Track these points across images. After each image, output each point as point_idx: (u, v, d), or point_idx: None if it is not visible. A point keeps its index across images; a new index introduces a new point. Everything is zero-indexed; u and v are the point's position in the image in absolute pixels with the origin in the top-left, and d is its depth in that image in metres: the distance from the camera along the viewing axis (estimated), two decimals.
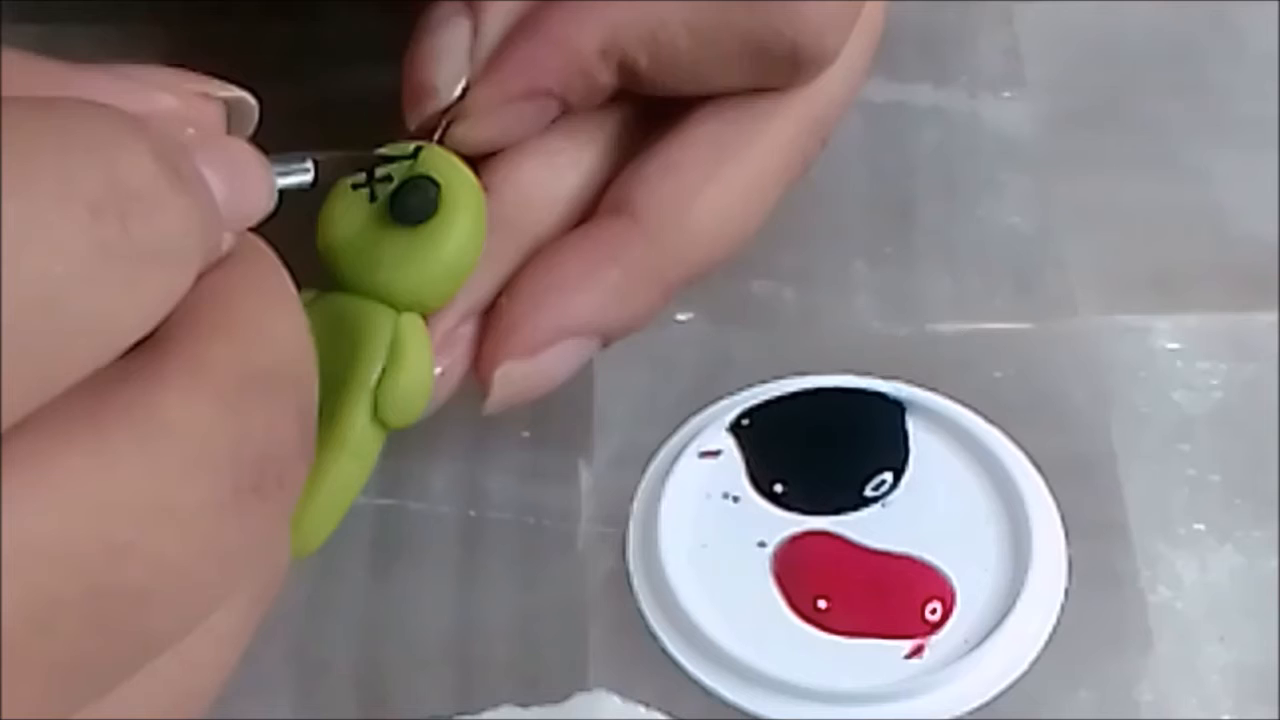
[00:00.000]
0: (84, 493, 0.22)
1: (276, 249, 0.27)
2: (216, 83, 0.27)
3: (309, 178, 0.28)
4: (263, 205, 0.26)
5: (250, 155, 0.26)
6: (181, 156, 0.24)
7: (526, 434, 0.38)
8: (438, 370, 0.32)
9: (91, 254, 0.22)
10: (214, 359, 0.24)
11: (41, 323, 0.21)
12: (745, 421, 0.38)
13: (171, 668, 0.24)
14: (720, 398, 0.39)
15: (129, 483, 0.22)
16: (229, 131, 0.28)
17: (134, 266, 0.22)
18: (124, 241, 0.22)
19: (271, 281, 0.26)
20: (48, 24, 0.46)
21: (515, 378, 0.33)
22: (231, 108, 0.28)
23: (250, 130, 0.28)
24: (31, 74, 0.25)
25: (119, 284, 0.22)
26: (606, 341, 0.34)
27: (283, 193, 0.27)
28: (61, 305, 0.21)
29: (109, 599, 0.22)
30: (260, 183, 0.26)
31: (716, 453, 0.38)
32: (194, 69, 0.28)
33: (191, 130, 0.26)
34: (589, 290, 0.33)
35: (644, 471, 0.38)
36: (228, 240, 0.25)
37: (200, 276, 0.24)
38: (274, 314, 0.25)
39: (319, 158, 0.28)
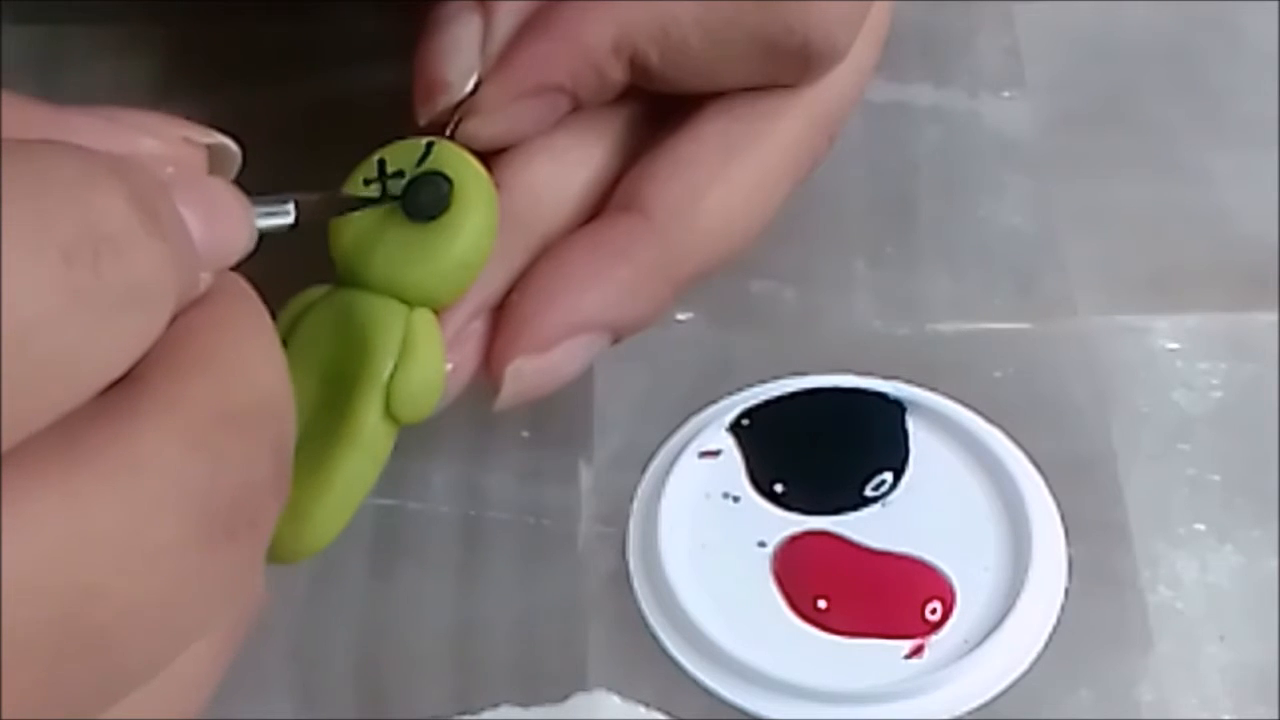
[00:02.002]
0: (53, 534, 0.22)
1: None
2: (200, 129, 0.27)
3: (290, 219, 0.28)
4: (242, 245, 0.26)
5: (230, 195, 0.26)
6: (159, 197, 0.24)
7: (526, 434, 0.38)
8: (449, 366, 0.32)
9: (64, 298, 0.22)
10: (189, 398, 0.24)
11: (12, 365, 0.21)
12: (745, 421, 0.38)
13: (139, 705, 0.24)
14: (720, 398, 0.39)
15: (99, 524, 0.22)
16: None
17: (107, 310, 0.22)
18: (97, 285, 0.22)
19: (250, 320, 0.26)
20: (48, 24, 0.46)
21: (526, 374, 0.33)
22: (214, 153, 0.28)
23: (233, 175, 0.28)
24: (15, 114, 0.25)
25: (91, 327, 0.22)
26: (616, 338, 0.34)
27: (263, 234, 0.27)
28: (33, 348, 0.21)
29: (75, 640, 0.22)
30: (240, 223, 0.26)
31: (716, 453, 0.38)
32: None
33: (171, 169, 0.26)
34: (599, 287, 0.33)
35: (644, 471, 0.38)
36: (205, 279, 0.25)
37: (178, 315, 0.24)
38: (251, 352, 0.25)
39: (300, 198, 0.28)
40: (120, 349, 0.23)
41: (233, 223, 0.26)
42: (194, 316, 0.25)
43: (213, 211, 0.26)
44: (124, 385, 0.23)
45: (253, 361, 0.25)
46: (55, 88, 0.45)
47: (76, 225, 0.22)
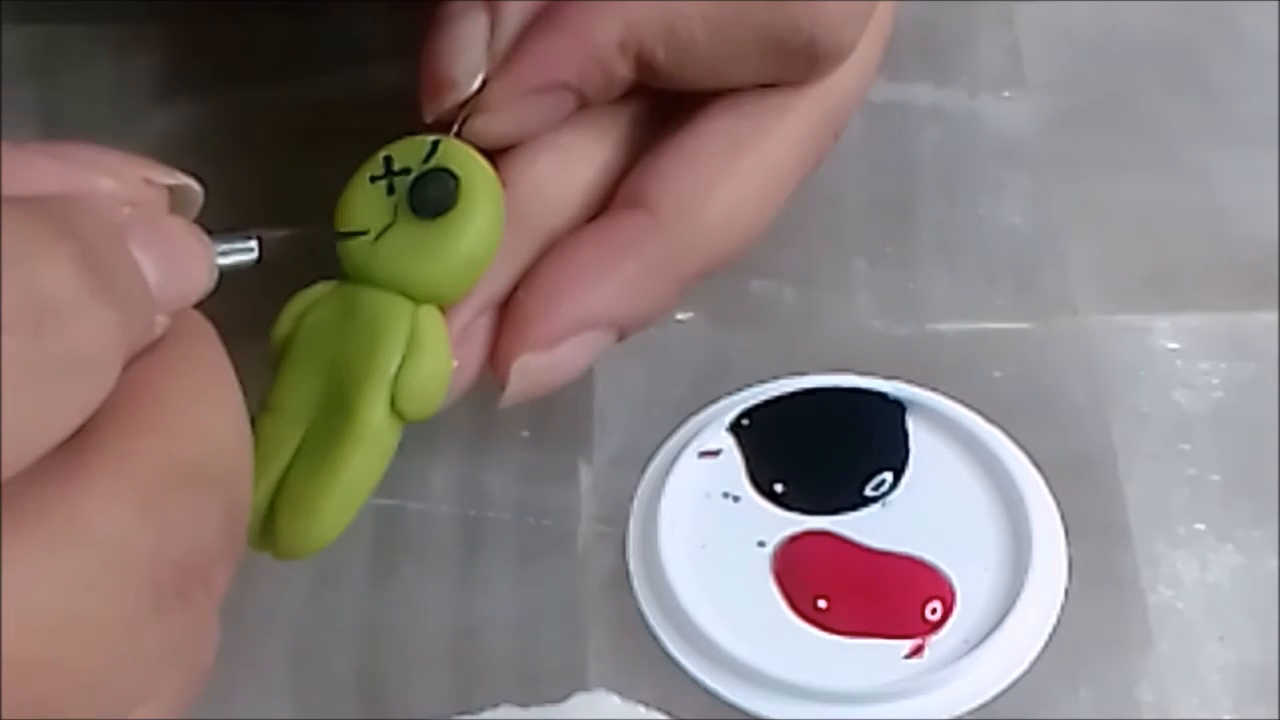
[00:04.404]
0: None
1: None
2: (162, 168, 0.27)
3: (252, 256, 0.28)
4: (201, 286, 0.26)
5: (190, 236, 0.26)
6: (111, 247, 0.24)
7: (526, 434, 0.38)
8: (454, 363, 0.32)
9: (4, 369, 0.21)
10: (138, 457, 0.23)
11: None
12: (745, 421, 0.38)
13: None
14: (720, 398, 0.39)
15: (41, 594, 0.22)
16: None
17: (49, 380, 0.22)
18: (38, 356, 0.22)
19: (205, 366, 0.26)
20: (48, 24, 0.46)
21: (532, 370, 0.33)
22: (176, 193, 0.27)
23: (194, 214, 0.28)
24: None
25: (33, 397, 0.22)
26: (622, 334, 0.34)
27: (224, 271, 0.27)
28: None
29: (16, 711, 0.22)
30: (199, 263, 0.26)
31: (716, 452, 0.38)
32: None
33: (128, 209, 0.25)
34: (605, 283, 0.33)
35: (644, 471, 0.38)
36: (162, 322, 0.25)
37: (131, 362, 0.24)
38: (205, 403, 0.25)
39: (264, 235, 0.28)
40: (62, 418, 0.23)
41: (192, 264, 0.26)
42: (147, 365, 0.24)
43: (171, 253, 0.25)
44: (71, 443, 0.23)
45: (206, 414, 0.25)
46: (55, 88, 0.45)
47: (19, 295, 0.22)
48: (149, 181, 0.27)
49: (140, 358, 0.24)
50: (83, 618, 0.22)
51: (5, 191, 0.23)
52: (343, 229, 0.32)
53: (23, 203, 0.23)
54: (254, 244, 0.28)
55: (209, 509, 0.24)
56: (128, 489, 0.23)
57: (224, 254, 0.27)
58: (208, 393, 0.25)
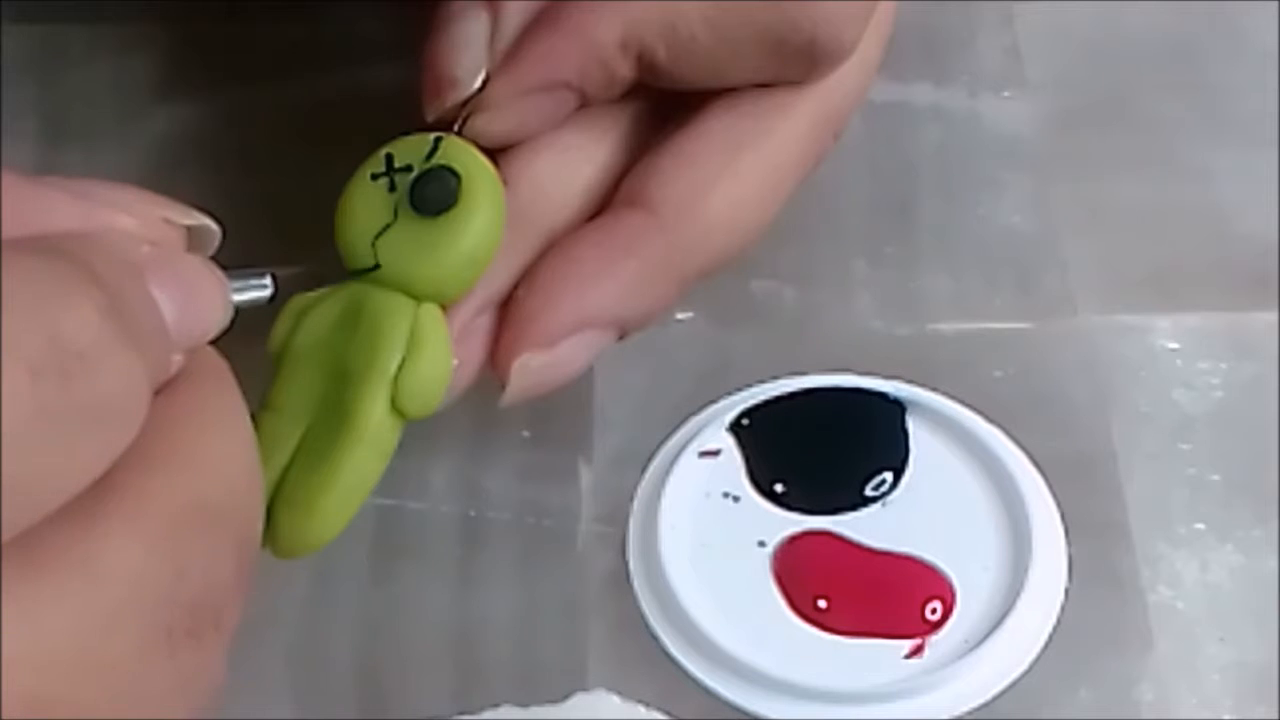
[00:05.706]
0: (9, 647, 0.21)
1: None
2: (181, 208, 0.27)
3: (267, 293, 0.29)
4: (216, 324, 0.26)
5: (205, 273, 0.26)
6: (133, 287, 0.24)
7: (526, 434, 0.38)
8: (455, 361, 0.32)
9: (31, 416, 0.21)
10: (155, 496, 0.23)
11: None
12: (745, 421, 0.38)
13: None
14: (720, 398, 0.39)
15: (58, 634, 0.22)
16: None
17: (75, 426, 0.22)
18: (65, 403, 0.22)
19: (219, 405, 0.26)
20: (48, 24, 0.46)
21: (533, 369, 0.33)
22: (193, 231, 0.27)
23: (211, 252, 0.28)
24: None
25: (59, 444, 0.22)
26: (623, 333, 0.34)
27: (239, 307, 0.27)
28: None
29: None
30: (215, 301, 0.26)
31: (716, 452, 0.38)
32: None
33: (147, 248, 0.25)
34: (606, 282, 0.33)
35: (644, 471, 0.38)
36: (177, 361, 0.25)
37: None
38: (219, 443, 0.25)
39: (278, 272, 0.29)
40: (88, 464, 0.23)
41: (208, 302, 0.26)
42: (163, 405, 0.24)
43: (188, 292, 0.25)
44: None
45: (220, 454, 0.25)
46: (55, 88, 0.45)
47: (46, 342, 0.22)
48: (168, 221, 0.27)
49: (156, 397, 0.24)
50: (97, 657, 0.22)
51: (26, 229, 0.24)
52: (342, 228, 0.32)
53: (47, 246, 0.23)
54: (268, 281, 0.29)
55: (222, 549, 0.24)
56: (143, 529, 0.23)
57: (239, 290, 0.28)
58: (222, 433, 0.25)
